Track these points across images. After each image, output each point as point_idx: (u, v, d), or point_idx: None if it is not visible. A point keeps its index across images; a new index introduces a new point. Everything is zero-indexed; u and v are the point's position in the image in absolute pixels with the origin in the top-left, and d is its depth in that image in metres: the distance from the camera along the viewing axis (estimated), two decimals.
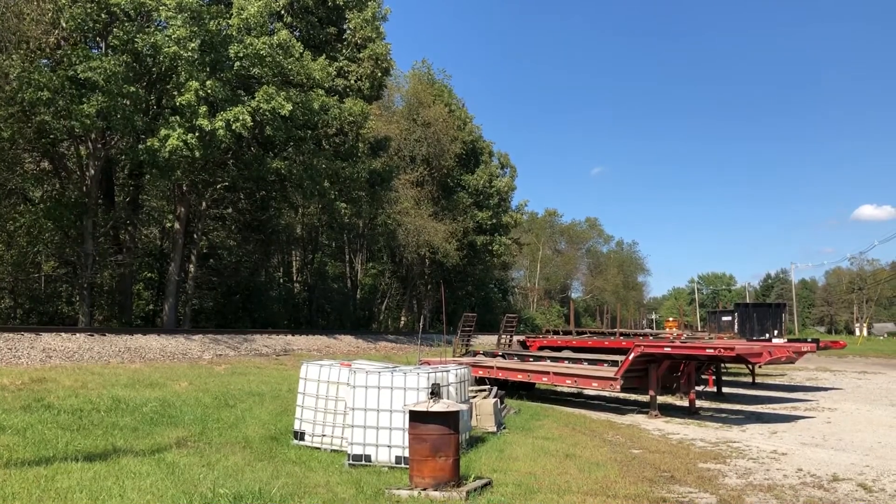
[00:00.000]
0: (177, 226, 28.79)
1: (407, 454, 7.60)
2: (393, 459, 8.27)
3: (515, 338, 26.38)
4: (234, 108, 24.13)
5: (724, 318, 44.54)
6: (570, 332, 30.64)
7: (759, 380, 23.32)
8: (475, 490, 7.08)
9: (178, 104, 23.58)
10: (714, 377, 19.76)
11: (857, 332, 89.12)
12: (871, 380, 24.97)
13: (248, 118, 24.22)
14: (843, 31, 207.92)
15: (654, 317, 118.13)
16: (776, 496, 7.75)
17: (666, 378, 15.71)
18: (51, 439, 8.38)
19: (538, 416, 13.54)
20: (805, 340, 23.31)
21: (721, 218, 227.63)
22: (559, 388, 18.64)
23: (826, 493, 7.99)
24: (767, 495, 7.78)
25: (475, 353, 20.35)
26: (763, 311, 42.05)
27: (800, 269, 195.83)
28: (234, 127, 23.93)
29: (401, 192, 43.86)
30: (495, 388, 13.06)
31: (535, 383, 16.83)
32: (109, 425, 9.52)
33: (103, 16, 23.92)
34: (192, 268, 30.54)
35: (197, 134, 23.76)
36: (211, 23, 23.87)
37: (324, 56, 29.92)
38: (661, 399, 15.33)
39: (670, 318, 77.09)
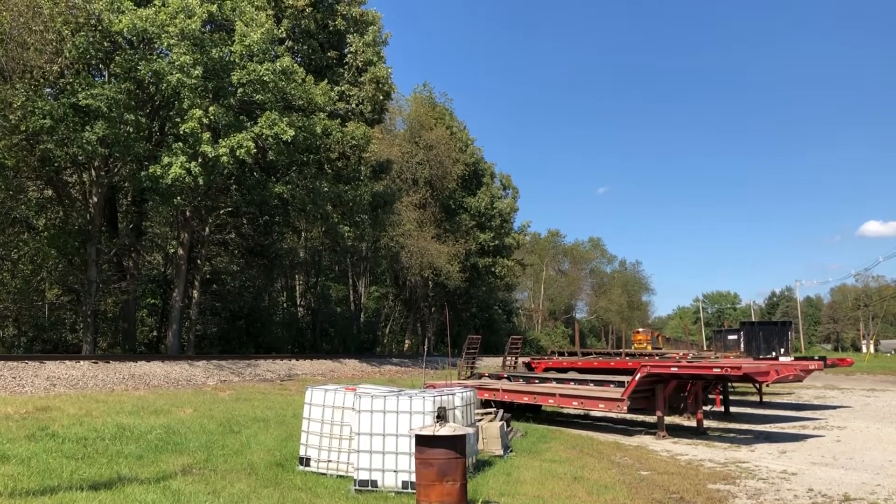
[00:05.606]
0: (180, 252, 28.82)
1: (414, 479, 7.54)
2: (399, 484, 8.20)
3: (520, 359, 26.25)
4: (237, 135, 24.22)
5: (730, 337, 44.41)
6: (575, 353, 30.50)
7: (766, 399, 23.18)
8: None
9: (181, 131, 23.69)
10: (721, 397, 19.63)
11: (864, 350, 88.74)
12: (880, 397, 24.79)
13: (252, 144, 24.31)
14: (847, 42, 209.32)
15: (668, 337, 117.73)
16: None
17: (673, 398, 15.63)
18: (55, 468, 8.32)
19: (545, 438, 13.45)
20: (812, 358, 23.20)
21: (725, 236, 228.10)
22: (565, 410, 18.53)
23: None
24: None
25: (480, 376, 20.25)
26: (769, 329, 41.94)
27: (805, 286, 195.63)
28: (237, 153, 24.01)
29: (403, 214, 43.94)
30: (501, 411, 12.98)
31: (541, 405, 16.74)
32: (114, 453, 9.46)
33: (106, 44, 24.11)
34: (195, 293, 30.54)
35: (200, 160, 23.86)
36: (214, 50, 24.05)
37: (325, 80, 30.10)
38: (668, 419, 15.24)
39: (640, 330, 69.12)
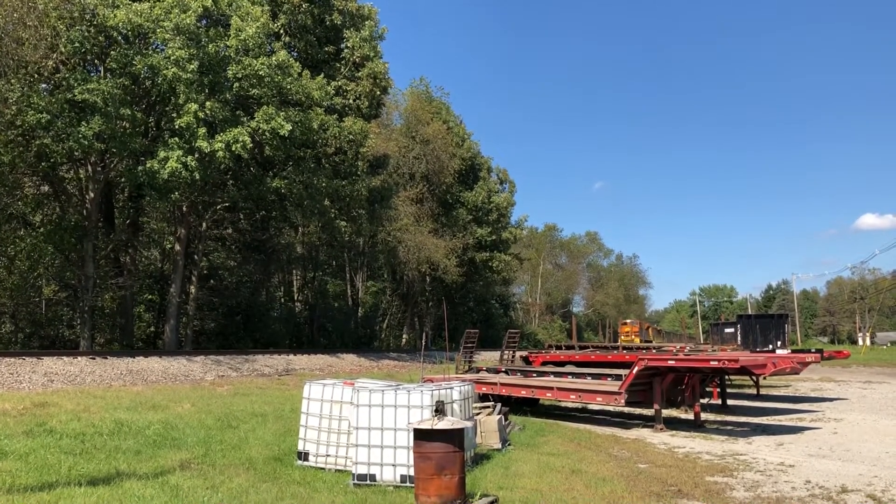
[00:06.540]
0: (177, 247, 28.79)
1: (412, 473, 7.55)
2: (398, 478, 8.21)
3: (518, 353, 26.25)
4: (233, 129, 24.19)
5: (727, 330, 44.46)
6: (572, 347, 30.48)
7: (763, 391, 23.22)
8: None
9: (177, 126, 23.64)
10: (718, 389, 19.67)
11: (861, 342, 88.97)
12: (876, 389, 24.86)
13: (248, 139, 24.27)
14: (843, 35, 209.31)
15: (659, 329, 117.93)
16: None
17: (670, 391, 15.65)
18: (53, 464, 8.32)
19: (543, 431, 13.47)
20: (809, 351, 23.26)
21: (722, 229, 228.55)
22: (563, 404, 18.56)
23: None
24: None
25: (478, 370, 20.24)
26: (766, 322, 41.99)
27: (801, 279, 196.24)
28: (233, 148, 23.97)
29: (400, 209, 43.93)
30: (499, 405, 12.99)
31: (538, 399, 16.74)
32: (112, 449, 9.46)
33: (101, 39, 24.06)
34: (192, 289, 30.50)
35: (196, 155, 23.81)
36: (209, 45, 23.98)
37: (322, 75, 30.04)
38: (665, 412, 15.27)
39: (627, 321, 63.42)
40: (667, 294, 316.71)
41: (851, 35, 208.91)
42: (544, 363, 21.43)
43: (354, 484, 8.21)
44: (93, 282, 26.00)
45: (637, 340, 51.47)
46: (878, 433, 13.78)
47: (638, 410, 17.49)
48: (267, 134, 25.16)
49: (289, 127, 25.08)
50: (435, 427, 7.04)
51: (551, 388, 15.57)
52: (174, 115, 24.35)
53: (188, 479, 7.98)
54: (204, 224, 30.30)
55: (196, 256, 30.82)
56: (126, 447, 9.64)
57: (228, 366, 23.36)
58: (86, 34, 23.06)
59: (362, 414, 8.46)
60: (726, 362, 13.69)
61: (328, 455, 9.19)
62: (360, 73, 33.26)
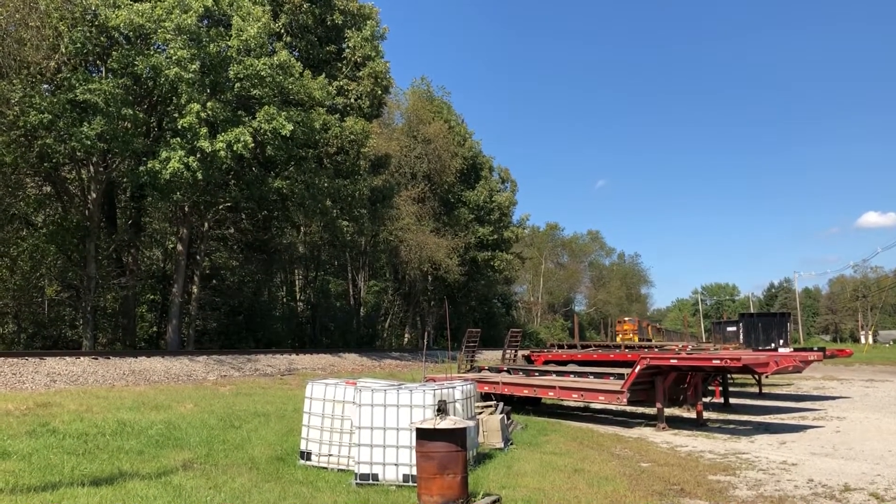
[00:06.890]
0: (179, 247, 28.80)
1: (414, 472, 7.55)
2: (400, 478, 8.21)
3: (520, 352, 26.24)
4: (235, 129, 24.20)
5: (729, 329, 44.50)
6: (574, 346, 30.46)
7: (765, 390, 23.19)
8: None
9: (179, 126, 23.66)
10: (721, 388, 19.65)
11: (863, 340, 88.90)
12: (879, 388, 24.82)
13: (249, 139, 24.28)
14: (845, 35, 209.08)
15: (659, 327, 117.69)
16: None
17: (673, 390, 15.63)
18: (56, 464, 8.33)
19: (545, 431, 13.46)
20: (811, 349, 23.20)
21: (723, 228, 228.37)
22: (565, 403, 18.55)
23: (838, 503, 7.93)
24: None
25: (480, 369, 20.24)
26: (768, 320, 42.02)
27: (803, 277, 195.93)
28: (235, 148, 23.98)
29: (402, 208, 43.93)
30: (501, 404, 12.98)
31: (541, 398, 16.73)
32: (115, 449, 9.46)
33: (102, 39, 24.08)
34: (194, 289, 30.52)
35: (198, 156, 23.83)
36: (210, 45, 23.99)
37: (323, 75, 30.06)
38: (668, 411, 15.25)
39: (626, 319, 61.81)
40: (669, 293, 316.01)
41: (852, 34, 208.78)
42: (546, 362, 21.41)
43: (357, 483, 8.22)
44: (95, 282, 26.03)
45: (635, 339, 51.16)
46: (881, 431, 13.76)
47: (640, 409, 17.48)
48: (268, 134, 25.18)
49: (290, 127, 25.10)
50: (437, 426, 7.04)
51: (553, 388, 15.56)
52: (176, 115, 24.37)
53: (191, 479, 7.98)
54: (206, 224, 30.31)
55: (198, 256, 30.84)
56: (129, 447, 9.65)
57: (231, 366, 23.37)
58: (87, 35, 23.08)
59: (364, 413, 8.47)
60: (729, 361, 13.68)
61: (331, 455, 9.19)
62: (361, 73, 33.28)
